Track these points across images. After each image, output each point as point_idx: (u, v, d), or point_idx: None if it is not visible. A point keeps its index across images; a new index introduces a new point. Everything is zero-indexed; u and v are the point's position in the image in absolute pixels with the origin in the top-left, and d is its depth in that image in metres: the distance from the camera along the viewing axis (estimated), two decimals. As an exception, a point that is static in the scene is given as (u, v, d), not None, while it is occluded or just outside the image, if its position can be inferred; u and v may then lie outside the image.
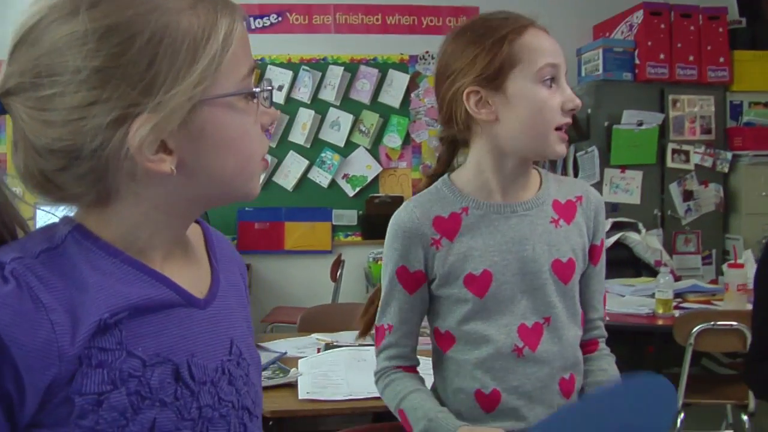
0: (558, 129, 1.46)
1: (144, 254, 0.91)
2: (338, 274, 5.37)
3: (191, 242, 1.04)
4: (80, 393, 0.81)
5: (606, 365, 1.63)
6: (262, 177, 5.69)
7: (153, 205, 0.90)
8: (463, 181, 1.57)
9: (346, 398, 2.36)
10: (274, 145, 5.74)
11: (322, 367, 2.67)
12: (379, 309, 1.60)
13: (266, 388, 2.49)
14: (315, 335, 3.24)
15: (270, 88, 0.96)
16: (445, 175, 1.61)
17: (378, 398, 2.33)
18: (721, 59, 5.28)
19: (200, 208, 0.98)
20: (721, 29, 5.31)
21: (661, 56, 5.20)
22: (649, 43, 5.18)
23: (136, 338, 0.86)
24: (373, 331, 3.23)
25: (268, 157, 5.41)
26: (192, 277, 0.99)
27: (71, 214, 0.91)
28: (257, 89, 0.92)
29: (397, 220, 1.56)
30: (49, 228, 0.89)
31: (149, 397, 0.85)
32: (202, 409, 0.91)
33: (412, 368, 1.61)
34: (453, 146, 1.64)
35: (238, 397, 0.98)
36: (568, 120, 1.47)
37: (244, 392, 1.00)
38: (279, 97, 5.74)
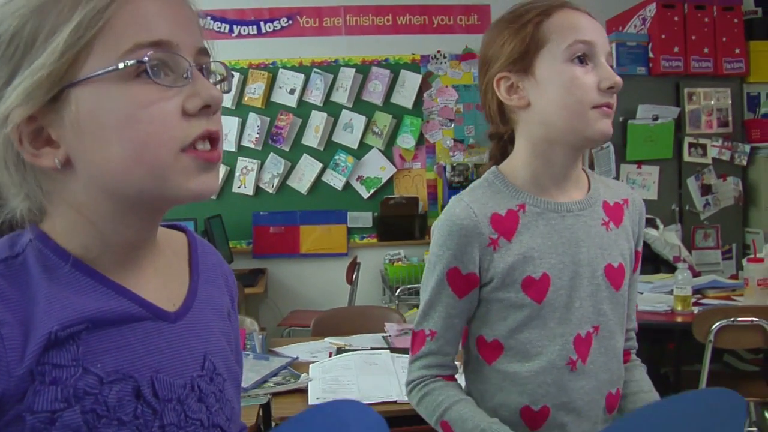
0: (597, 108, 1.35)
1: (101, 264, 0.87)
2: (354, 276, 5.35)
3: (165, 253, 0.99)
4: (31, 411, 0.77)
5: (639, 376, 1.56)
6: (277, 181, 5.68)
7: (74, 204, 0.85)
8: (514, 173, 1.46)
9: (357, 403, 2.34)
10: (287, 149, 5.73)
11: (333, 371, 2.64)
12: (420, 313, 1.47)
13: (276, 394, 2.48)
14: (328, 339, 3.22)
15: (167, 61, 0.83)
16: (494, 167, 1.49)
17: (390, 403, 2.35)
18: (737, 50, 5.20)
19: (134, 209, 0.87)
20: (736, 20, 5.23)
21: (676, 49, 5.13)
22: (663, 36, 5.11)
23: (95, 354, 0.83)
24: (387, 334, 3.23)
25: (282, 162, 5.53)
26: (163, 289, 0.94)
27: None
28: (130, 60, 0.80)
29: (450, 216, 1.41)
30: (15, 236, 0.87)
31: (105, 415, 0.82)
32: (165, 427, 0.87)
33: (451, 377, 1.48)
34: (501, 142, 1.53)
35: (208, 414, 0.94)
36: (609, 99, 1.35)
37: (215, 409, 0.95)
38: (291, 101, 5.73)
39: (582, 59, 1.35)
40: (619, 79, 1.35)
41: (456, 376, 1.49)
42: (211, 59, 0.89)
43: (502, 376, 1.43)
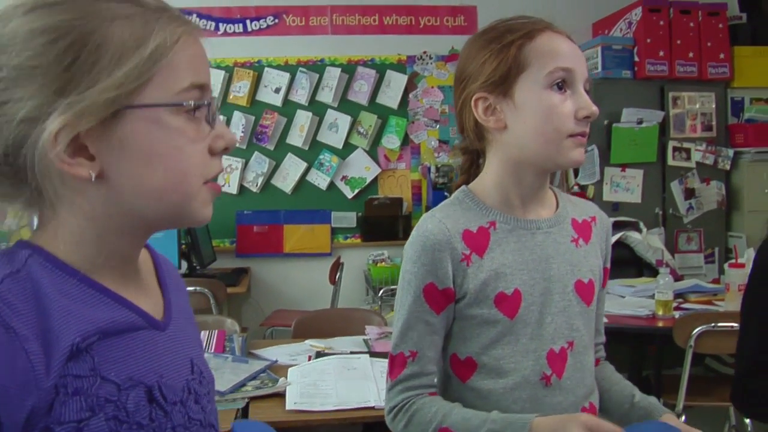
0: (572, 136, 1.36)
1: (100, 276, 0.90)
2: (337, 276, 5.34)
3: (142, 267, 1.03)
4: (60, 422, 0.80)
5: (608, 373, 1.60)
6: (261, 180, 5.67)
7: (88, 216, 0.89)
8: (484, 192, 1.47)
9: (335, 408, 2.33)
10: (272, 148, 5.72)
11: (312, 375, 2.63)
12: (396, 335, 1.44)
13: (254, 398, 2.46)
14: (309, 341, 3.20)
15: (206, 103, 0.91)
16: (464, 186, 1.50)
17: (368, 408, 2.33)
18: (722, 55, 5.22)
19: (141, 227, 0.94)
20: (721, 25, 5.25)
21: (661, 53, 5.14)
22: (649, 40, 5.13)
23: (108, 363, 0.86)
24: (367, 337, 3.22)
25: (266, 161, 5.51)
26: (148, 300, 0.99)
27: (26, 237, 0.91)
28: (186, 102, 0.88)
29: (423, 231, 1.42)
30: (6, 252, 0.88)
31: (126, 420, 0.85)
32: (175, 428, 0.92)
33: (434, 393, 1.46)
34: (472, 156, 1.54)
35: (204, 414, 0.99)
36: (584, 129, 1.37)
37: (209, 410, 1.02)
38: (277, 100, 5.71)
39: (561, 86, 1.36)
40: (595, 108, 1.36)
41: None
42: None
43: (476, 394, 1.43)
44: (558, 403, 1.41)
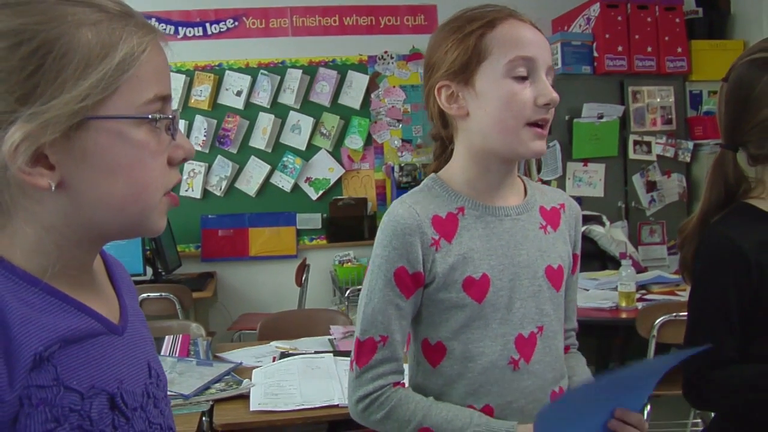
0: (532, 125, 1.37)
1: (58, 283, 0.88)
2: (303, 278, 5.32)
3: (96, 271, 1.01)
4: None
5: (573, 363, 1.61)
6: (225, 184, 5.63)
7: (46, 225, 0.86)
8: (452, 179, 1.48)
9: (299, 408, 2.32)
10: (235, 151, 5.68)
11: (276, 376, 2.62)
12: (364, 320, 1.43)
13: (219, 401, 2.44)
14: (274, 343, 3.19)
15: (170, 117, 0.90)
16: (433, 174, 1.52)
17: (332, 407, 2.33)
18: (679, 49, 5.29)
19: (99, 237, 0.93)
20: (677, 20, 5.32)
21: (619, 48, 5.20)
22: (607, 36, 5.18)
23: (70, 372, 0.84)
24: (332, 337, 3.21)
25: (230, 164, 5.46)
26: (104, 305, 0.97)
27: None
28: (152, 115, 0.87)
29: (394, 216, 1.42)
30: None
31: (90, 429, 0.84)
32: None
33: (403, 384, 1.46)
34: (443, 142, 1.55)
35: (163, 418, 0.99)
36: (543, 115, 1.37)
37: (167, 413, 1.02)
38: (238, 103, 5.67)
39: (522, 75, 1.37)
40: (555, 95, 1.37)
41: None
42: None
43: (445, 379, 1.44)
44: (526, 387, 1.42)
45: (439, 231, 1.42)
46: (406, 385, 1.47)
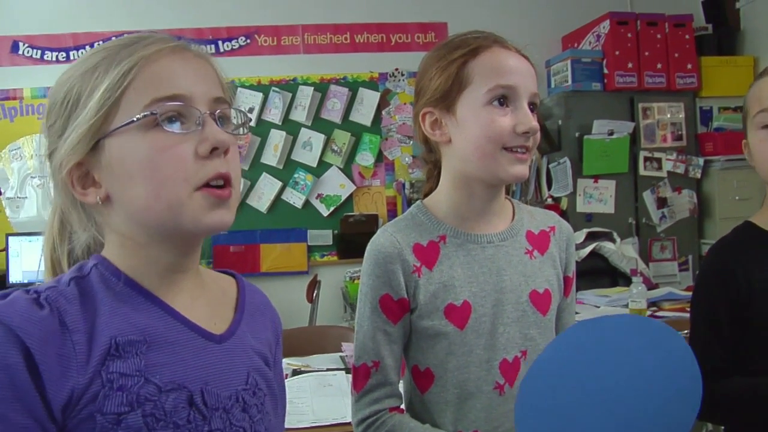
0: (510, 150, 1.39)
1: (149, 283, 1.04)
2: (314, 294, 5.33)
3: (212, 287, 1.16)
4: (102, 412, 0.92)
5: None
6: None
7: (120, 231, 1.04)
8: (437, 206, 1.51)
9: (311, 425, 2.33)
10: (246, 168, 5.71)
11: (288, 394, 2.60)
12: (358, 347, 1.49)
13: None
14: (286, 360, 3.19)
15: (171, 110, 1.00)
16: (419, 202, 1.55)
17: (345, 424, 2.33)
18: (689, 66, 5.30)
19: (159, 237, 1.03)
20: (687, 36, 5.33)
21: (629, 65, 5.21)
22: (617, 53, 5.19)
23: (154, 367, 0.98)
24: (344, 354, 3.22)
25: (241, 181, 5.36)
26: (211, 316, 1.11)
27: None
28: (145, 113, 0.98)
29: (376, 246, 1.47)
30: (82, 263, 1.05)
31: (163, 419, 0.96)
32: (213, 431, 1.02)
33: (401, 408, 1.50)
34: (434, 165, 1.58)
35: (251, 423, 1.08)
36: (522, 142, 1.39)
37: (257, 419, 1.10)
38: (250, 120, 5.70)
39: (502, 102, 1.39)
40: (535, 124, 1.40)
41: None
42: (230, 107, 1.08)
43: (433, 405, 1.46)
44: (512, 411, 1.42)
45: (420, 258, 1.45)
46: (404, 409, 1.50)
